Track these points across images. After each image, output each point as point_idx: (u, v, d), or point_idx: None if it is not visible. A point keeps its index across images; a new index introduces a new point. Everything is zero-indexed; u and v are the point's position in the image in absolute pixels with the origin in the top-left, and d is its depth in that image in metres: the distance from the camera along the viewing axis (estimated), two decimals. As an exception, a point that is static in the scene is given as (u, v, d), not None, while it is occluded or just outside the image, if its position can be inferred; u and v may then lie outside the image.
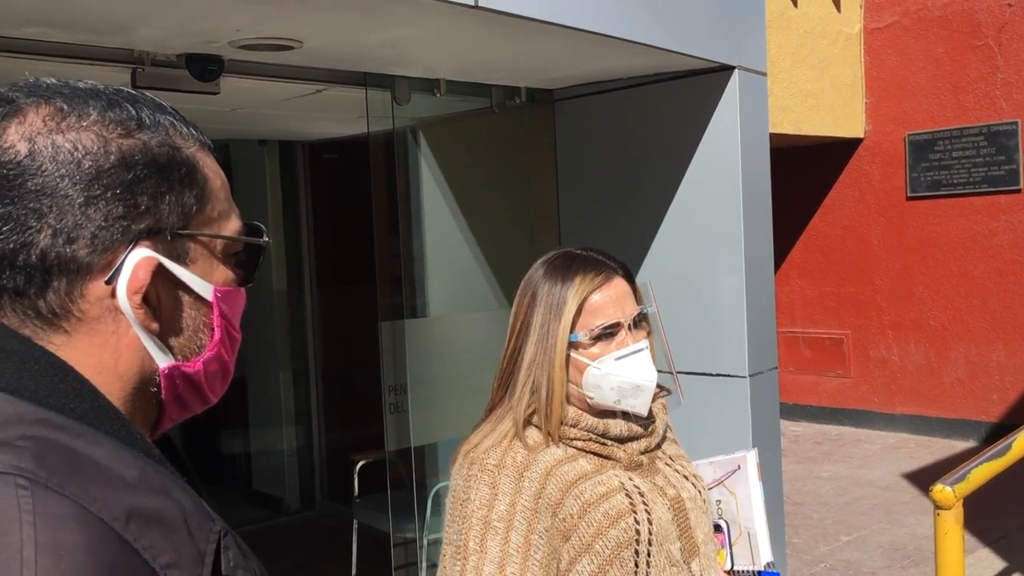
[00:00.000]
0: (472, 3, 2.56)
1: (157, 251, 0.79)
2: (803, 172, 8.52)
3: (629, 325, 1.69)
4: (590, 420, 1.68)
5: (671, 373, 1.83)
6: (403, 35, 2.95)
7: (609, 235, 3.94)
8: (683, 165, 3.79)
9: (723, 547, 1.75)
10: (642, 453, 1.71)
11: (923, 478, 6.67)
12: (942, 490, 2.91)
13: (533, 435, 1.68)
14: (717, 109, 3.67)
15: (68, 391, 0.75)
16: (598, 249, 1.77)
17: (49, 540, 0.66)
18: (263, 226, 0.91)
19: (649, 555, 1.60)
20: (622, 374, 1.66)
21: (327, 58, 3.28)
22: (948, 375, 8.03)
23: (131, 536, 0.70)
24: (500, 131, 4.35)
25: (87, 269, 0.77)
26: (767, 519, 1.75)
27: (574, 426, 1.68)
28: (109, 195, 0.77)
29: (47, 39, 2.76)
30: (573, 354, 1.68)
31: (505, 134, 4.36)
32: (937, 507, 2.90)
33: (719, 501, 1.77)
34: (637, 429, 1.71)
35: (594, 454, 1.68)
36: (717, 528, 1.75)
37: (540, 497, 1.61)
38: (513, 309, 1.75)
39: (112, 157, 0.77)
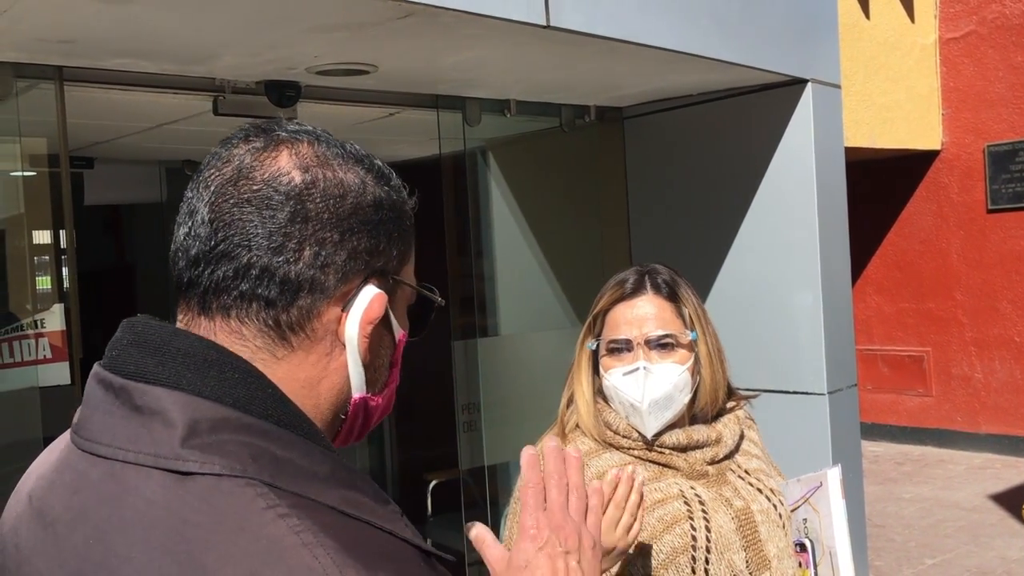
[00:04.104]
0: (544, 23, 2.58)
1: (382, 289, 0.87)
2: (878, 186, 8.35)
3: (643, 345, 1.66)
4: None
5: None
6: (475, 56, 2.98)
7: (681, 252, 3.92)
8: (756, 181, 3.75)
9: (807, 566, 1.71)
10: (710, 463, 1.69)
11: (1011, 499, 6.43)
12: (1035, 511, 2.81)
13: (584, 442, 1.69)
14: (790, 123, 3.63)
15: (265, 398, 0.81)
16: (663, 266, 1.76)
17: (308, 524, 0.73)
18: (435, 287, 0.98)
19: (707, 562, 1.58)
20: (624, 390, 1.66)
21: (400, 81, 3.33)
22: (1035, 393, 7.75)
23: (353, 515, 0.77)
24: (569, 150, 4.36)
25: (329, 293, 0.84)
26: (850, 538, 1.71)
27: (627, 436, 1.67)
28: (361, 230, 0.85)
29: (134, 69, 2.86)
30: (599, 363, 1.71)
31: (575, 153, 4.37)
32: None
33: (805, 519, 1.73)
34: (699, 438, 1.69)
35: (652, 462, 1.67)
36: (803, 547, 1.72)
37: None
38: None
39: (369, 198, 0.86)
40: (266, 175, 0.82)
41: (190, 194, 0.85)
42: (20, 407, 2.85)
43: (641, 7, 2.85)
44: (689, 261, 3.70)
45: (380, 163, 0.90)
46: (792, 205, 3.64)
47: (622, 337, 1.67)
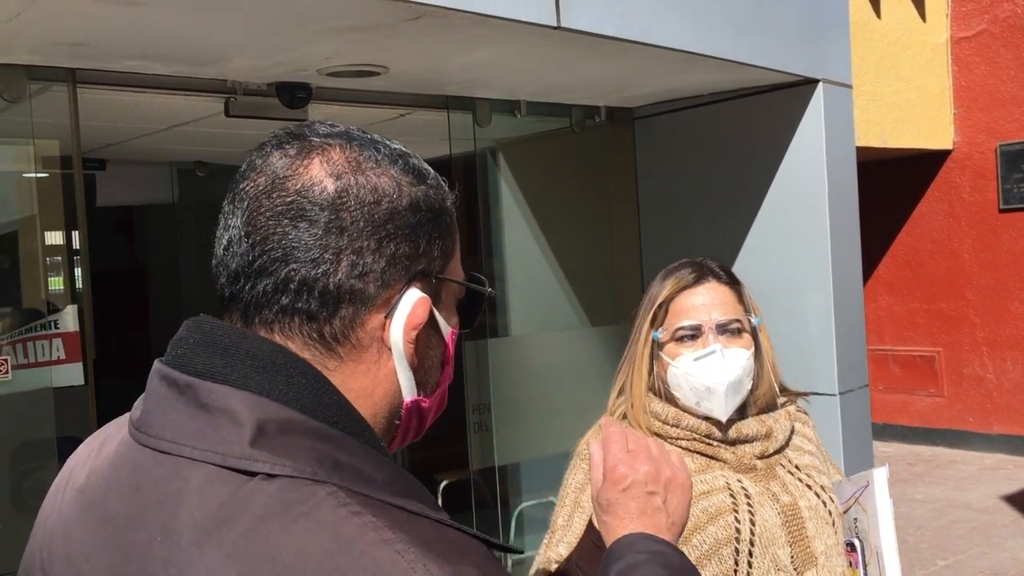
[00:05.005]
0: (554, 24, 2.58)
1: (425, 291, 0.85)
2: (889, 186, 8.32)
3: (714, 330, 1.67)
4: (691, 420, 1.67)
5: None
6: (485, 57, 2.99)
7: (691, 252, 3.88)
8: (767, 181, 3.74)
9: (857, 566, 1.70)
10: (759, 457, 1.68)
11: (1023, 500, 6.41)
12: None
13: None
14: (801, 123, 3.62)
15: (331, 404, 0.81)
16: (714, 259, 1.79)
17: (383, 522, 0.72)
18: (484, 277, 0.95)
19: (751, 555, 1.58)
20: (697, 375, 1.65)
21: (411, 83, 3.34)
22: (1048, 393, 7.71)
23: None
24: (580, 150, 4.36)
25: (371, 301, 0.82)
26: (896, 538, 1.69)
27: (676, 425, 1.67)
28: (399, 235, 0.83)
29: (146, 71, 2.87)
30: (660, 352, 1.69)
31: (585, 153, 4.37)
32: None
33: (856, 519, 1.72)
34: (748, 432, 1.68)
35: (700, 454, 1.67)
36: (853, 547, 1.70)
37: None
38: None
39: (404, 201, 0.83)
40: (298, 185, 0.81)
41: (226, 207, 0.84)
42: (34, 407, 2.87)
43: (651, 7, 2.85)
44: (700, 261, 3.69)
45: (416, 160, 0.87)
46: (803, 205, 3.63)
47: (691, 323, 1.67)
